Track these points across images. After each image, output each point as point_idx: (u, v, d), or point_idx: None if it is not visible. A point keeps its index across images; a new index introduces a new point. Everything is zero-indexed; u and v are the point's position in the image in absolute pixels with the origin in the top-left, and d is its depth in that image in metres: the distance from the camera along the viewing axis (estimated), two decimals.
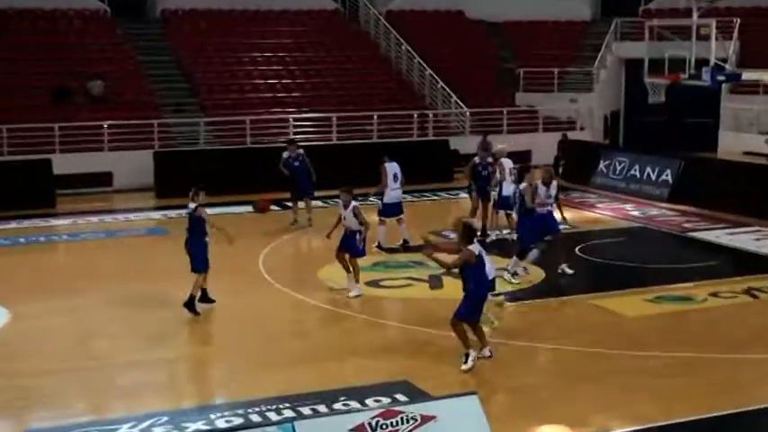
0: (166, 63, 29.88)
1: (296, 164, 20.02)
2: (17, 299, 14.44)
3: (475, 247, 11.02)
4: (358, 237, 14.39)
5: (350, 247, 14.47)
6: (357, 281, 14.49)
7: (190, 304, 13.29)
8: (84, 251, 18.59)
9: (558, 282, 15.28)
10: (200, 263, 13.33)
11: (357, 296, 14.36)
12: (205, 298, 13.65)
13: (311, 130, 27.69)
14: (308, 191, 20.15)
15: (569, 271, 15.50)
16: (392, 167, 17.77)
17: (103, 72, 27.87)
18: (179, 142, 26.65)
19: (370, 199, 17.60)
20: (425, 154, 25.84)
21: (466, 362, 10.94)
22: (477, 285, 11.06)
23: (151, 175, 24.64)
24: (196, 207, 13.30)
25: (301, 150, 20.29)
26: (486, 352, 11.35)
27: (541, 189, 15.34)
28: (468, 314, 11.09)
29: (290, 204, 20.81)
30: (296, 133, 26.95)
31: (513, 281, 14.97)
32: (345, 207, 14.52)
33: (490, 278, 11.43)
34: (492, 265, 11.56)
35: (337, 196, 21.83)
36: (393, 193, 17.79)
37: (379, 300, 14.50)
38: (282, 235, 19.24)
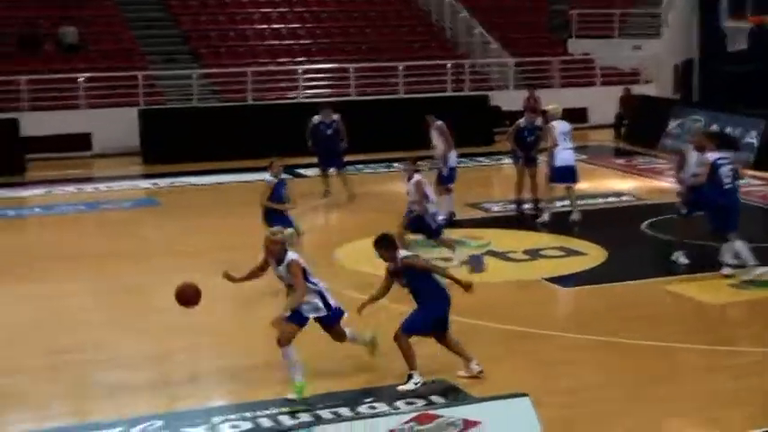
0: (152, 5, 29.84)
1: (328, 132, 19.99)
2: None
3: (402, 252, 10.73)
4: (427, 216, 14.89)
5: (423, 227, 15.00)
6: None
7: None
8: (60, 226, 18.64)
9: (623, 263, 15.19)
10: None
11: None
12: None
13: (324, 83, 27.63)
14: (339, 162, 20.15)
15: (684, 261, 14.95)
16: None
17: (78, 16, 27.86)
18: (169, 98, 26.68)
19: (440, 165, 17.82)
20: (461, 112, 25.62)
21: (406, 382, 10.57)
22: (432, 294, 10.63)
23: (137, 137, 24.69)
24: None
25: (337, 116, 20.13)
26: (475, 366, 10.80)
27: (693, 158, 14.54)
28: (415, 326, 10.65)
29: (305, 173, 20.79)
30: (307, 87, 26.89)
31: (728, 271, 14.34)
32: (409, 179, 15.04)
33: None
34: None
35: (357, 162, 22.13)
36: (455, 155, 18.04)
37: None
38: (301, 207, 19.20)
